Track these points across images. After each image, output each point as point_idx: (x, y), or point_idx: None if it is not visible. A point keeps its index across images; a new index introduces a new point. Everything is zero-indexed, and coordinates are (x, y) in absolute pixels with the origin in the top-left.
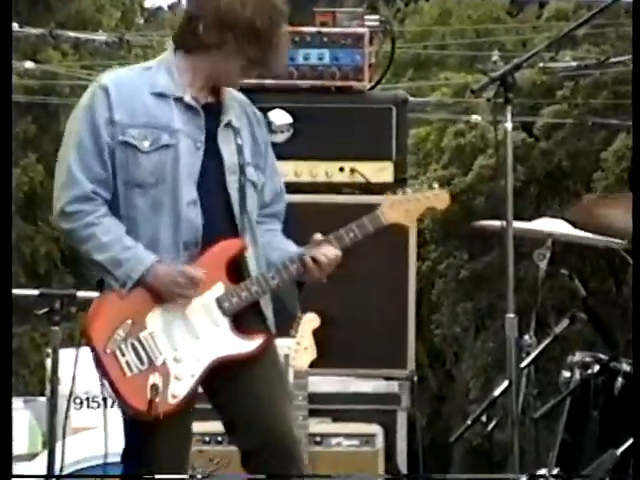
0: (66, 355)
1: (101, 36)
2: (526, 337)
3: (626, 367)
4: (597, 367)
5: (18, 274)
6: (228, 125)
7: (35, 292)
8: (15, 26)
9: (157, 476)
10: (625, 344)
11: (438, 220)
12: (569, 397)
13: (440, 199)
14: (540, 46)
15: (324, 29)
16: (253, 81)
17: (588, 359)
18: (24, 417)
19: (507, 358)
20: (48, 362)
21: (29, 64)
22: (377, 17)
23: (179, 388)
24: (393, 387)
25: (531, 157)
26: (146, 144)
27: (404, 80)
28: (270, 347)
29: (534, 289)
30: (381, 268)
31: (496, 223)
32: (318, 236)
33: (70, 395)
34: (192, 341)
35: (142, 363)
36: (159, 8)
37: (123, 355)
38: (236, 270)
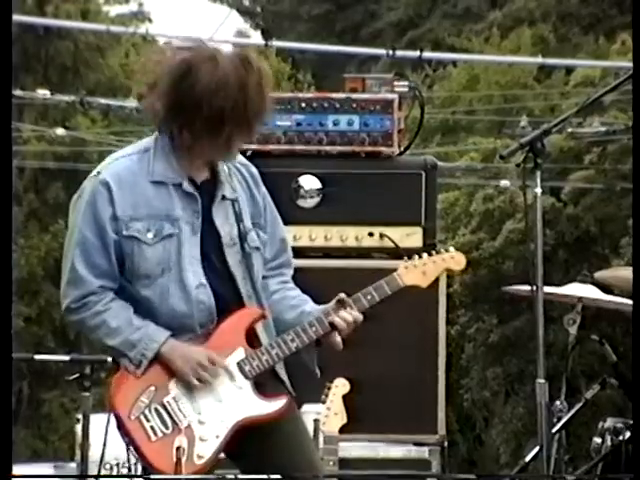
0: (96, 420)
1: (131, 103)
2: (557, 402)
3: None
4: (628, 433)
5: (48, 339)
6: (223, 199)
7: (66, 358)
8: (46, 93)
9: (154, 476)
10: None
11: (467, 284)
12: (600, 463)
13: (456, 261)
14: (569, 112)
15: (354, 95)
16: (283, 147)
17: (619, 425)
18: None
19: (538, 423)
20: (78, 428)
21: (60, 131)
22: (406, 83)
23: (205, 449)
24: (423, 452)
25: (559, 222)
26: (150, 235)
27: (432, 145)
28: (292, 408)
29: (564, 354)
30: (411, 332)
31: (526, 288)
32: (339, 297)
33: (101, 461)
34: (215, 404)
35: (166, 427)
36: None
37: (148, 420)
38: (254, 336)
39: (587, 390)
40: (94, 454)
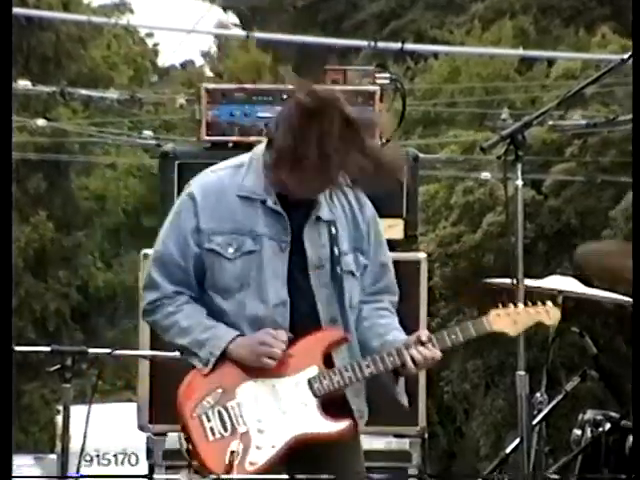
0: (76, 412)
1: (113, 94)
2: (537, 394)
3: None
4: (608, 425)
5: (28, 330)
6: (317, 220)
7: (47, 349)
8: (27, 84)
9: (156, 476)
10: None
11: (448, 277)
12: (580, 455)
13: (551, 316)
14: (550, 104)
15: (335, 87)
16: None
17: (599, 417)
18: (34, 474)
19: (518, 415)
20: (59, 419)
21: (41, 122)
22: (388, 75)
23: (258, 456)
24: (404, 444)
25: (540, 214)
26: (231, 250)
27: (414, 137)
28: (352, 433)
29: (544, 346)
30: None
31: (506, 281)
32: (424, 334)
33: (81, 452)
34: (278, 415)
35: (225, 430)
36: (172, 66)
37: (209, 420)
38: (332, 358)
39: (567, 382)
40: (75, 445)
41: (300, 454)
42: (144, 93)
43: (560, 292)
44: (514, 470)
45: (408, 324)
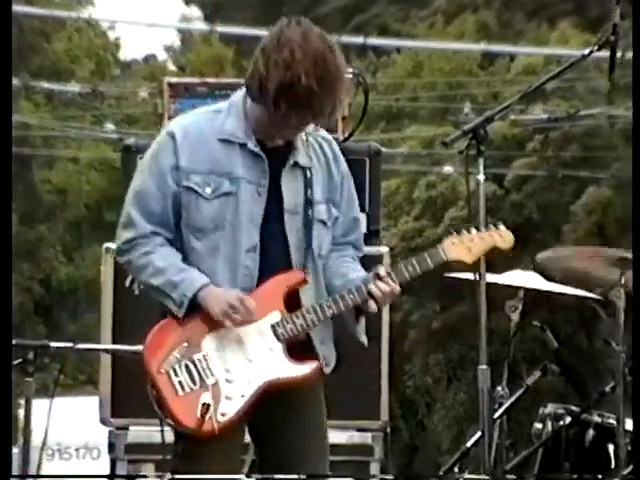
0: (38, 406)
1: (74, 87)
2: (498, 388)
3: (597, 419)
4: (568, 419)
5: None
6: (295, 165)
7: None
8: None
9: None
10: (596, 396)
11: None
12: (541, 448)
13: (504, 239)
14: (512, 99)
15: None
16: None
17: (560, 411)
18: None
19: (479, 409)
20: (20, 413)
21: None
22: (350, 69)
23: (229, 407)
24: (366, 438)
25: (502, 209)
26: (208, 190)
27: (376, 132)
28: (318, 375)
29: (506, 340)
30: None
31: (469, 276)
32: (382, 269)
33: (43, 446)
34: (245, 364)
35: (194, 383)
36: (134, 60)
37: (176, 375)
38: (295, 301)
39: (528, 376)
40: (36, 439)
41: (268, 400)
42: (106, 87)
43: (522, 288)
44: (475, 464)
45: (370, 318)
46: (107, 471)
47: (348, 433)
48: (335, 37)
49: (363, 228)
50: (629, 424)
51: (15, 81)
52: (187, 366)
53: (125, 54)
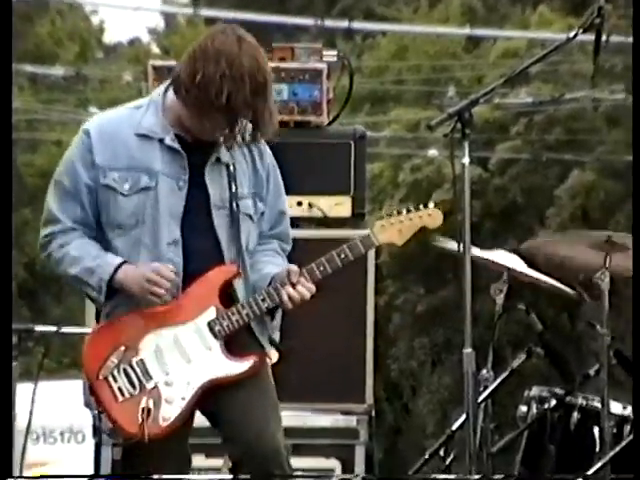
0: (23, 390)
1: (58, 70)
2: (483, 371)
3: (582, 401)
4: (553, 402)
5: None
6: (217, 161)
7: None
8: None
9: (155, 476)
10: (581, 378)
11: (395, 254)
12: (526, 431)
13: (433, 218)
14: (496, 82)
15: (282, 64)
16: None
17: (544, 394)
18: None
19: (464, 392)
20: None
21: None
22: (335, 52)
23: (170, 411)
24: (351, 421)
25: (486, 192)
26: (126, 187)
27: (361, 115)
28: (260, 367)
29: (491, 324)
30: (339, 303)
31: (454, 246)
32: (292, 275)
33: (28, 430)
34: (184, 365)
35: (134, 388)
36: (118, 43)
37: (115, 381)
38: (229, 296)
39: (513, 359)
40: (20, 423)
41: (217, 393)
42: (90, 70)
43: (507, 268)
44: (460, 447)
45: (356, 301)
46: (92, 455)
47: (333, 416)
48: (318, 20)
49: (344, 213)
50: (614, 407)
51: None
52: (126, 371)
53: (109, 37)
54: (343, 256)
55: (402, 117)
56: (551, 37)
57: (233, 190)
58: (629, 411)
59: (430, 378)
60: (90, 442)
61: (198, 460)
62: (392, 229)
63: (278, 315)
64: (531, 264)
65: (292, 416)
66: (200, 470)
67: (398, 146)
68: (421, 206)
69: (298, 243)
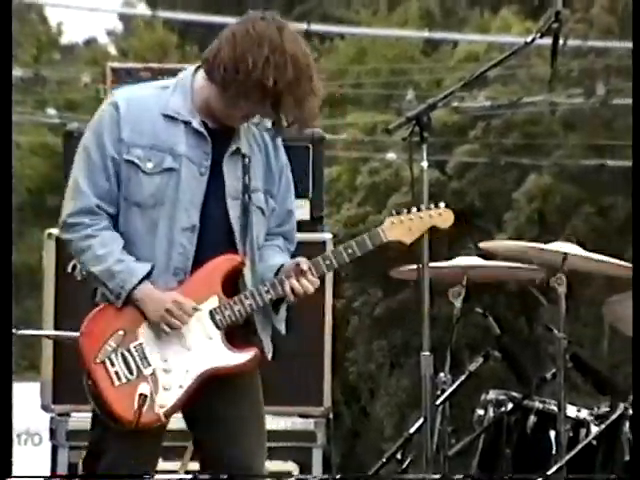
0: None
1: (16, 72)
2: (441, 375)
3: (538, 405)
4: (510, 405)
5: None
6: (236, 152)
7: None
8: None
9: (158, 476)
10: (538, 382)
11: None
12: (482, 435)
13: (444, 218)
14: (455, 86)
15: None
16: None
17: (501, 397)
18: None
19: (422, 395)
20: None
21: None
22: None
23: (167, 398)
24: (309, 424)
25: (444, 196)
26: (149, 165)
27: (319, 118)
28: (258, 361)
29: (449, 327)
30: (297, 305)
31: (412, 267)
32: (303, 264)
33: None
34: (183, 352)
35: (131, 373)
36: (76, 44)
37: (113, 365)
38: (233, 285)
39: (471, 362)
40: None
41: (207, 389)
42: (48, 71)
43: (467, 268)
44: (417, 450)
45: (315, 304)
46: (48, 458)
47: (291, 419)
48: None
49: (302, 216)
50: (570, 410)
51: None
52: (123, 355)
53: (67, 38)
54: (350, 251)
55: (360, 120)
56: (509, 41)
57: (247, 182)
58: (585, 414)
59: (388, 381)
60: (47, 445)
61: None
62: (402, 227)
63: (283, 308)
64: (489, 257)
65: None
66: (157, 472)
67: (356, 149)
68: (432, 205)
69: None
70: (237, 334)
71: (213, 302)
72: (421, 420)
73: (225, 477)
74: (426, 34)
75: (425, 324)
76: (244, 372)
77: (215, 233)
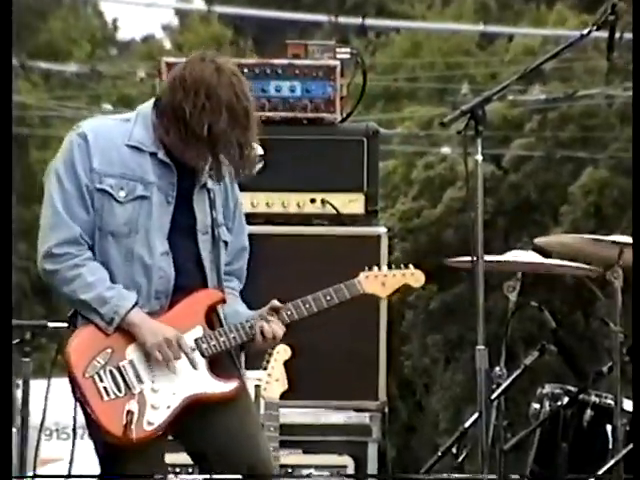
0: (36, 386)
1: (72, 67)
2: (496, 369)
3: (595, 399)
4: (566, 399)
5: None
6: (204, 187)
7: None
8: None
9: (157, 476)
10: (594, 376)
11: (408, 252)
12: (538, 429)
13: (415, 278)
14: (510, 79)
15: (296, 61)
16: None
17: (557, 391)
18: None
19: (477, 390)
20: (18, 393)
21: None
22: (348, 49)
23: (155, 416)
24: (364, 418)
25: (500, 190)
26: (122, 194)
27: (375, 112)
28: (242, 390)
29: (504, 321)
30: (352, 300)
31: (466, 259)
32: (276, 303)
33: (41, 426)
34: (170, 375)
35: (119, 390)
36: (132, 40)
37: (101, 381)
38: (213, 319)
39: (526, 356)
40: (34, 420)
41: (193, 413)
42: (104, 67)
43: (521, 264)
44: (473, 444)
45: (369, 299)
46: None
47: (346, 413)
48: (332, 17)
49: (356, 209)
50: (627, 404)
51: (13, 61)
52: (112, 373)
53: (122, 34)
54: (329, 298)
55: (415, 114)
56: (565, 34)
57: (214, 216)
58: None
59: (443, 375)
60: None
61: None
62: (376, 281)
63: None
64: (545, 255)
65: (305, 413)
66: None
67: (412, 143)
68: (402, 266)
69: (311, 240)
70: (219, 364)
71: (198, 332)
72: (476, 414)
73: (239, 477)
74: (481, 28)
75: (480, 318)
76: (227, 400)
77: (185, 260)
